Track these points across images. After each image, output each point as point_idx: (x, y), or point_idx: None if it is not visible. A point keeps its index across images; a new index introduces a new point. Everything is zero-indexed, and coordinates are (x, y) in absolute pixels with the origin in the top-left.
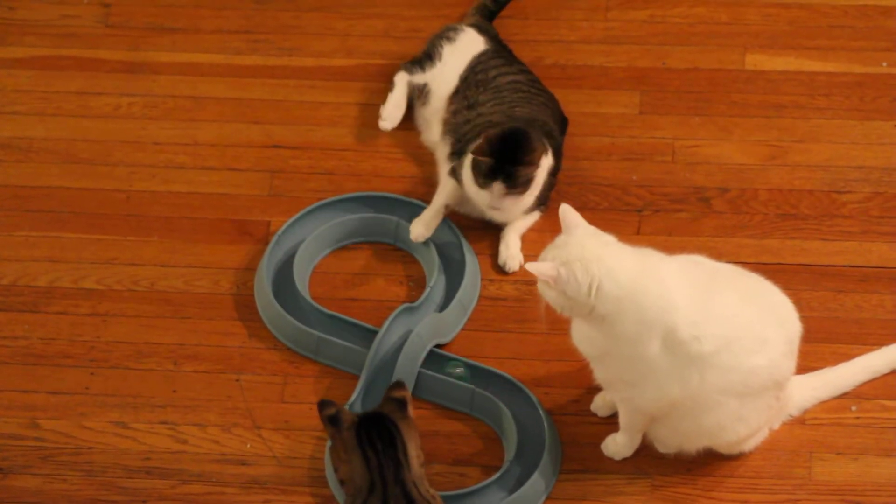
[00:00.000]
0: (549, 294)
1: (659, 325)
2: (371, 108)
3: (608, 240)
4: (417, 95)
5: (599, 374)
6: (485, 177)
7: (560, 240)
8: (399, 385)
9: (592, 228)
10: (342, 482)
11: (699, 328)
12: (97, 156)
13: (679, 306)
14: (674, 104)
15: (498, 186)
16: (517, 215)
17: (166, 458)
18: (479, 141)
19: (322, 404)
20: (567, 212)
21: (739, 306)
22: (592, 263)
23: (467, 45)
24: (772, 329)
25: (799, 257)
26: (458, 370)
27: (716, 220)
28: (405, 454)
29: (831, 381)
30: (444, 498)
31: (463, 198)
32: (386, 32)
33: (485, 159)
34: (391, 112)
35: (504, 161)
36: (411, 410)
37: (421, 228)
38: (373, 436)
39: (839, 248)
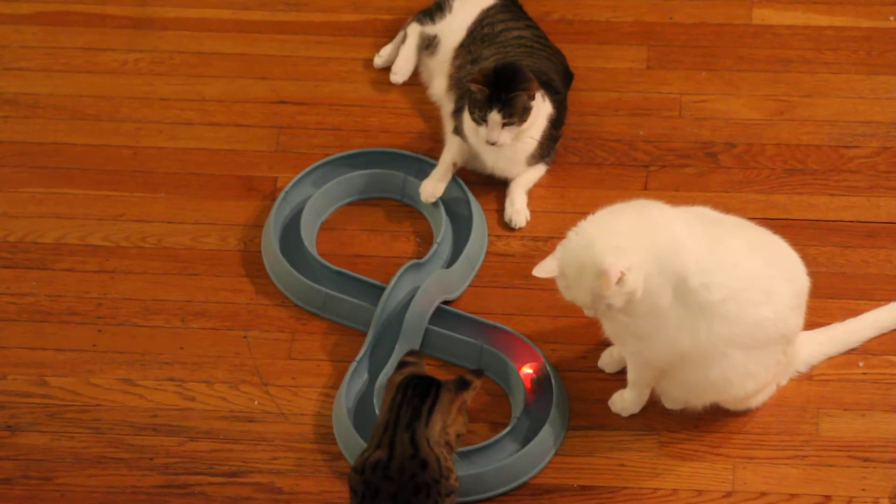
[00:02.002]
0: (612, 300)
1: (672, 274)
2: None
3: (604, 221)
4: (426, 46)
5: (609, 329)
6: (481, 108)
7: (570, 263)
8: (478, 371)
9: (580, 233)
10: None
11: (708, 276)
12: (104, 112)
13: (689, 253)
14: (681, 59)
15: (495, 116)
16: (519, 164)
17: (174, 415)
18: (473, 73)
19: (412, 352)
20: (543, 268)
21: (746, 257)
22: (628, 247)
23: None
24: (779, 282)
25: (806, 213)
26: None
27: (723, 176)
28: (429, 413)
29: (838, 336)
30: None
31: (470, 154)
32: None
33: (480, 88)
34: (402, 66)
35: (499, 89)
36: (468, 395)
37: (430, 189)
38: (411, 386)
39: (846, 204)
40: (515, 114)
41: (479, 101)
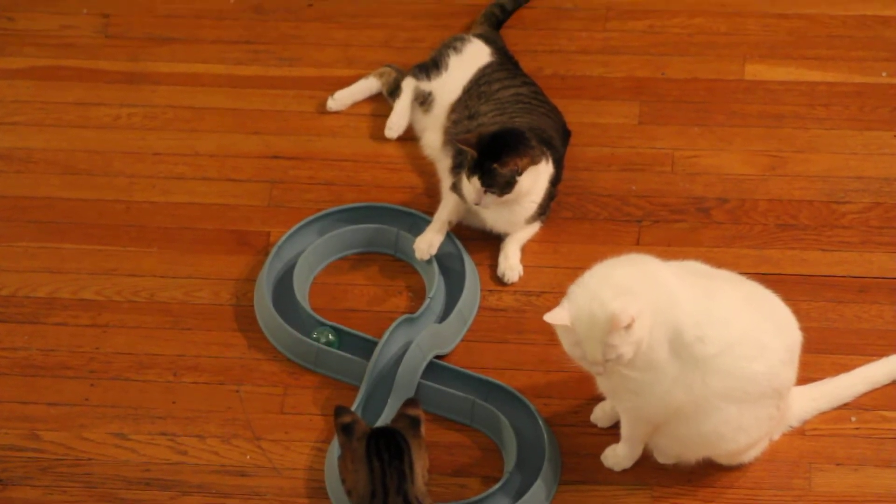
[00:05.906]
0: (622, 349)
1: (668, 327)
2: (371, 119)
3: (603, 273)
4: (420, 102)
5: (604, 385)
6: (469, 170)
7: (581, 313)
8: (413, 403)
9: (584, 286)
10: (349, 493)
11: (702, 329)
12: (97, 166)
13: (684, 306)
14: (673, 114)
15: (475, 182)
16: (518, 224)
17: (166, 470)
18: (469, 133)
19: (338, 411)
20: (555, 315)
21: (740, 311)
22: (633, 294)
23: (473, 57)
24: (771, 336)
25: (798, 268)
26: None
27: (715, 231)
28: (411, 468)
29: (831, 391)
30: None
31: (468, 211)
32: (386, 42)
33: (469, 151)
34: (396, 121)
35: (486, 158)
36: (424, 429)
37: (425, 246)
38: (381, 447)
39: (839, 259)
40: (496, 185)
41: (468, 163)
